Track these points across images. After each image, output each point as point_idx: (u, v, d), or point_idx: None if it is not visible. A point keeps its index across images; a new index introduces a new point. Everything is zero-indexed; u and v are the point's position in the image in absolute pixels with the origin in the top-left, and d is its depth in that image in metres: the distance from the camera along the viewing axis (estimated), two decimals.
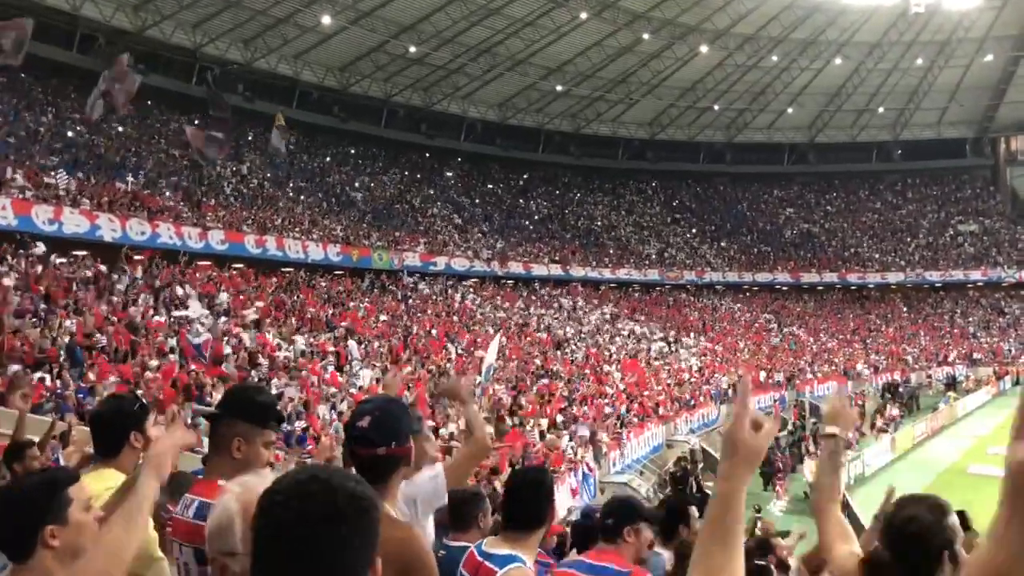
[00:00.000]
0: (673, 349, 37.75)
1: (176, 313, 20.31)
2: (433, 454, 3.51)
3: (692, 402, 30.39)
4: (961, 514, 2.36)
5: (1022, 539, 1.17)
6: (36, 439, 5.76)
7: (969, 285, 50.24)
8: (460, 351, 26.42)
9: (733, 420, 1.56)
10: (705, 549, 1.49)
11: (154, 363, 16.16)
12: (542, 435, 20.23)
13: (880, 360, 41.86)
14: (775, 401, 32.79)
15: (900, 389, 36.70)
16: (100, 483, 2.91)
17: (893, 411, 32.44)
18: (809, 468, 21.75)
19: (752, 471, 1.55)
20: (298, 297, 26.55)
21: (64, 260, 21.49)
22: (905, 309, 50.22)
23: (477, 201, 47.33)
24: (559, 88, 46.69)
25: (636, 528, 3.43)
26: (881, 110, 52.64)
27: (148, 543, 2.75)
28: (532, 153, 51.27)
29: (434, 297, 33.91)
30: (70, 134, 30.29)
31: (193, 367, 16.62)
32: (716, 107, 50.98)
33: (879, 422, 30.39)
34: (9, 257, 20.23)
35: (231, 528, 1.85)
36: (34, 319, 16.37)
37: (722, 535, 1.49)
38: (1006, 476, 1.22)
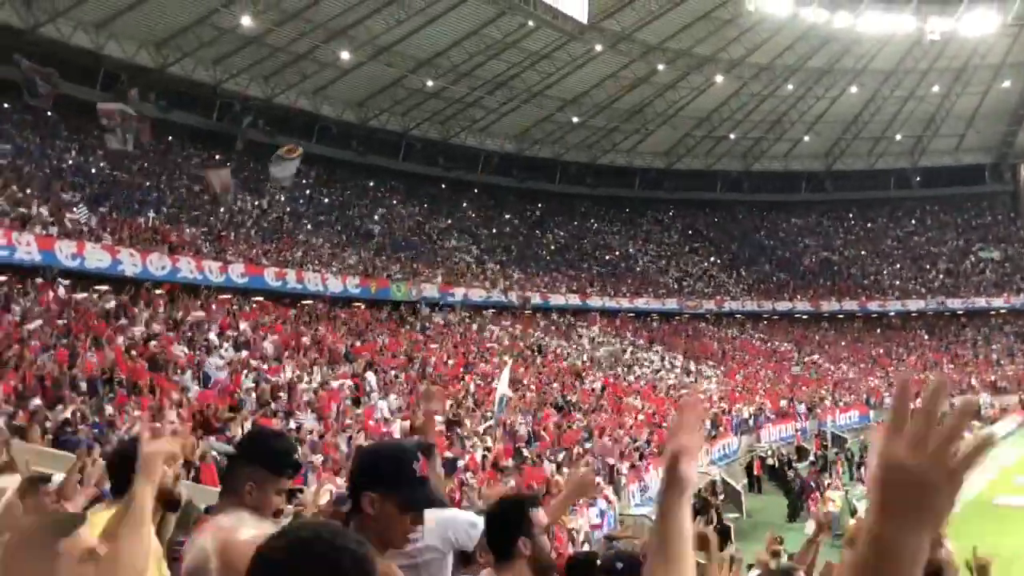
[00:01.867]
0: (692, 379, 37.56)
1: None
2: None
3: (712, 432, 30.16)
4: None
5: (893, 540, 1.02)
6: (52, 473, 5.82)
7: (992, 312, 49.73)
8: (478, 382, 26.42)
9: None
10: None
11: (175, 396, 16.28)
12: (559, 467, 20.13)
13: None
14: (796, 431, 32.55)
15: None
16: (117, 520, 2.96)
17: None
18: (831, 498, 21.50)
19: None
20: (317, 329, 26.69)
21: (85, 295, 21.74)
22: (927, 337, 49.77)
23: (494, 232, 47.53)
24: (575, 119, 46.98)
25: None
26: (898, 137, 52.58)
27: (158, 562, 2.79)
28: (549, 184, 51.50)
29: (452, 328, 33.98)
30: (93, 170, 30.77)
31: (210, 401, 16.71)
32: (732, 136, 51.09)
33: None
34: (32, 292, 20.52)
35: (206, 568, 1.86)
36: (54, 353, 16.54)
37: None
38: (877, 473, 1.04)
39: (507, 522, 2.80)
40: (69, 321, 19.10)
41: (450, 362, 28.32)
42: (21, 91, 29.16)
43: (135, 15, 32.16)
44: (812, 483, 23.13)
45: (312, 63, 37.75)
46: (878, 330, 50.41)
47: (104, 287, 23.07)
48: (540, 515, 2.78)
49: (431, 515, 2.67)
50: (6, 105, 31.07)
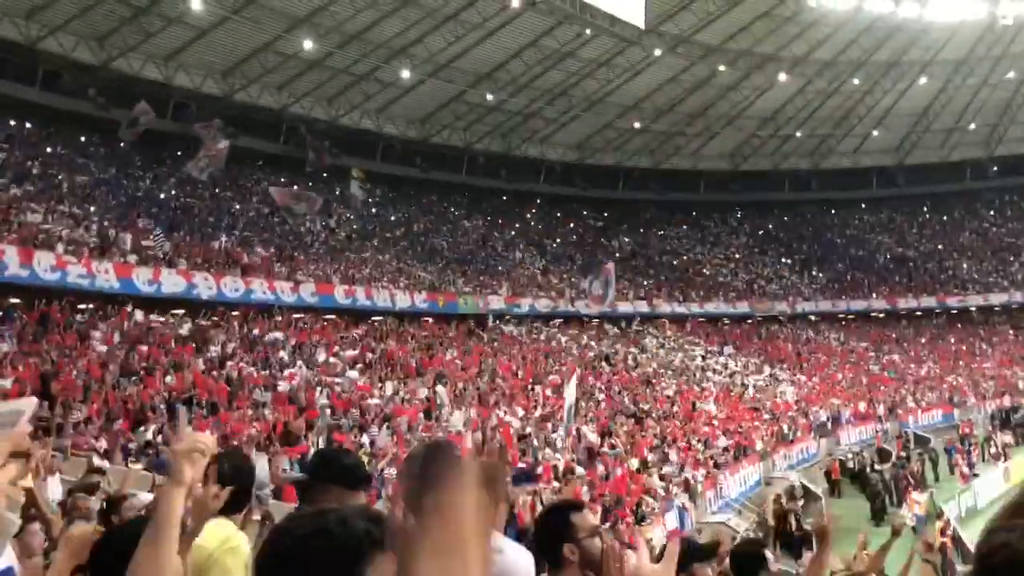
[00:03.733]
0: (767, 382, 36.90)
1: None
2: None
3: (790, 436, 29.58)
4: None
5: None
6: (135, 492, 6.00)
7: None
8: (549, 392, 26.37)
9: None
10: None
11: (249, 412, 16.62)
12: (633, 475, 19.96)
13: (988, 386, 40.00)
14: (877, 432, 31.70)
15: (1012, 416, 34.94)
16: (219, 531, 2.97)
17: (1005, 438, 30.94)
18: (917, 500, 20.88)
19: None
20: (387, 344, 26.99)
21: (163, 319, 22.38)
22: (1011, 332, 48.01)
23: (559, 241, 47.49)
24: (636, 125, 46.71)
25: (690, 572, 3.46)
26: (972, 127, 50.92)
27: None
28: (612, 191, 51.25)
29: (519, 339, 34.01)
30: (163, 196, 31.77)
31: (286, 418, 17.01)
32: (799, 134, 50.15)
33: (990, 450, 29.04)
34: (112, 318, 21.21)
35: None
36: (134, 378, 17.03)
37: None
38: None
39: (552, 530, 2.78)
40: (148, 346, 19.67)
41: (520, 373, 28.33)
42: (95, 123, 30.39)
43: (201, 45, 33.14)
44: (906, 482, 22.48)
45: (374, 83, 38.34)
46: (959, 326, 48.77)
47: (180, 311, 23.74)
48: (585, 518, 2.76)
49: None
50: (83, 138, 32.29)
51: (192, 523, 3.39)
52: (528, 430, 21.41)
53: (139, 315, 22.12)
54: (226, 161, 31.84)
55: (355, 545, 1.34)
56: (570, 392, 16.27)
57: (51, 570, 2.82)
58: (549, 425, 22.39)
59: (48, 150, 30.64)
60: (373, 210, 41.00)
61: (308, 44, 33.97)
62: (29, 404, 1.49)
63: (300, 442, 15.95)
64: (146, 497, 5.93)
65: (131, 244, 25.20)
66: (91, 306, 22.04)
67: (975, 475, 26.17)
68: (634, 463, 21.28)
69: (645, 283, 45.33)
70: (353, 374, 22.48)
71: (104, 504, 5.30)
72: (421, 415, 20.86)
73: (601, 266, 35.76)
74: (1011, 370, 42.30)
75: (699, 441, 25.20)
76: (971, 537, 15.49)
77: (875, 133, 50.91)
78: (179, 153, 32.99)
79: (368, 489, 2.86)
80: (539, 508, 13.88)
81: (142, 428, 14.75)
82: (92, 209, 26.85)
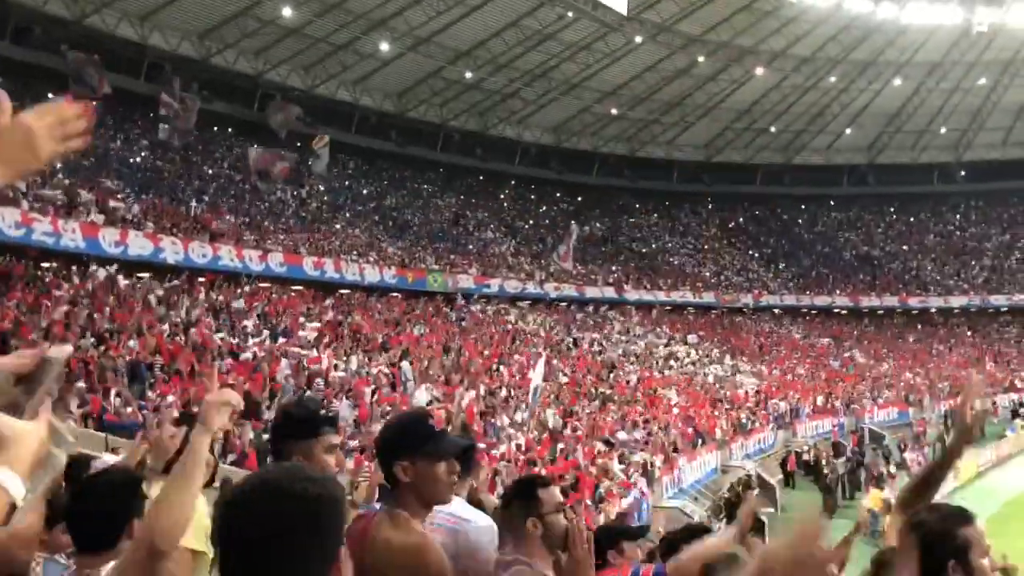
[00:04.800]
0: (729, 372, 37.34)
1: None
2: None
3: (748, 427, 29.99)
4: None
5: None
6: (97, 454, 6.00)
7: None
8: (515, 373, 26.51)
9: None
10: None
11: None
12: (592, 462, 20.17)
13: (944, 386, 40.78)
14: (833, 426, 32.24)
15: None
16: None
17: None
18: (873, 497, 21.27)
19: None
20: (353, 318, 26.94)
21: (128, 282, 22.16)
22: (969, 333, 48.96)
23: (531, 223, 47.54)
24: (614, 111, 46.79)
25: (619, 548, 3.63)
26: (943, 131, 51.62)
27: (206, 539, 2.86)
28: (586, 176, 51.34)
29: (487, 319, 34.10)
30: (136, 159, 31.31)
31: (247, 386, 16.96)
32: (773, 129, 50.53)
33: (939, 450, 29.61)
34: (76, 279, 20.96)
35: None
36: (95, 340, 16.88)
37: None
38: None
39: (518, 502, 2.84)
40: (111, 308, 19.49)
41: (485, 352, 28.43)
42: (66, 80, 29.73)
43: (179, 7, 32.65)
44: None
45: (352, 54, 38.01)
46: (919, 326, 49.65)
47: (146, 274, 23.51)
48: (551, 494, 2.83)
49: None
50: (51, 96, 31.67)
51: (151, 462, 3.52)
52: (491, 407, 21.57)
53: (102, 274, 21.86)
54: (197, 125, 31.47)
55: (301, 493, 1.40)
56: (537, 375, 16.41)
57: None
58: (511, 405, 22.55)
59: (17, 104, 30.00)
60: (346, 182, 40.74)
61: (287, 11, 33.60)
62: (62, 351, 1.58)
63: (262, 411, 15.93)
64: (108, 458, 5.93)
65: (98, 204, 24.89)
66: (55, 264, 21.77)
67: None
68: (597, 445, 21.50)
69: (614, 269, 45.55)
70: (313, 341, 22.44)
71: (70, 463, 5.30)
72: (386, 390, 20.89)
73: (567, 230, 38.37)
74: (966, 371, 43.13)
75: (659, 427, 25.49)
76: None
77: (848, 131, 51.44)
78: (151, 115, 32.51)
79: (332, 429, 2.88)
80: (498, 486, 14.02)
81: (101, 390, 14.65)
82: (59, 167, 26.42)
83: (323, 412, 3.03)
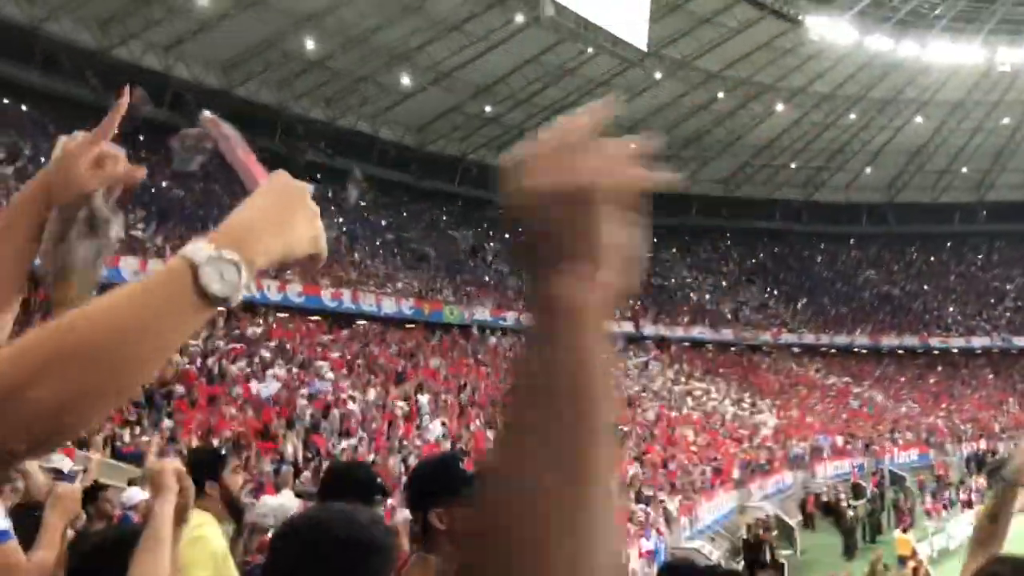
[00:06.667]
0: (747, 411, 36.95)
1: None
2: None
3: (767, 467, 29.60)
4: None
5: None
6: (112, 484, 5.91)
7: None
8: None
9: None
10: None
11: (233, 412, 16.47)
12: None
13: (966, 428, 40.17)
14: (853, 468, 31.75)
15: (986, 459, 35.07)
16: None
17: (980, 482, 31.03)
18: (901, 540, 20.81)
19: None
20: (371, 349, 26.87)
21: None
22: (991, 375, 48.30)
23: None
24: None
25: None
26: (965, 171, 51.36)
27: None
28: None
29: (503, 351, 33.94)
30: (156, 189, 31.57)
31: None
32: (793, 165, 50.46)
33: (963, 495, 29.11)
34: None
35: None
36: None
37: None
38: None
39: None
40: None
41: (501, 385, 28.23)
42: (93, 110, 30.04)
43: (204, 38, 33.04)
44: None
45: (374, 87, 38.30)
46: (940, 367, 49.00)
47: None
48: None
49: None
50: (80, 124, 32.00)
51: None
52: None
53: None
54: (218, 155, 31.60)
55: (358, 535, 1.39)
56: None
57: (42, 529, 2.85)
58: None
59: (44, 133, 30.42)
60: (364, 214, 40.89)
61: (311, 44, 33.95)
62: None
63: (278, 442, 15.83)
64: (130, 494, 5.83)
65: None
66: None
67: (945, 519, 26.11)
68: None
69: (631, 303, 45.32)
70: (333, 376, 22.35)
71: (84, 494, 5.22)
72: (402, 422, 20.74)
73: None
74: (989, 413, 42.55)
75: (678, 467, 25.18)
76: None
77: (868, 170, 51.30)
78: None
79: (383, 502, 2.80)
80: None
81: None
82: None
83: (381, 482, 2.97)
